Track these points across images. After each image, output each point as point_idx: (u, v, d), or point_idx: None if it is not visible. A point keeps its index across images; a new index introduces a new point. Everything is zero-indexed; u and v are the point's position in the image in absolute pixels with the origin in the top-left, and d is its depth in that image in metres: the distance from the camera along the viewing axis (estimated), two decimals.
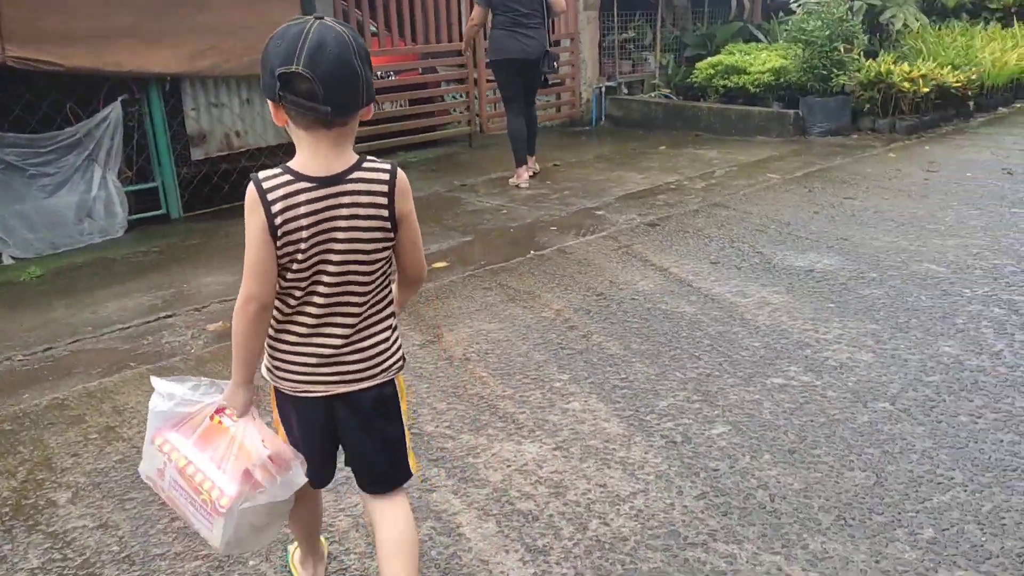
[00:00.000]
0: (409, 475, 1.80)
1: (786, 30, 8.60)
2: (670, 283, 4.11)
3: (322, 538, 2.12)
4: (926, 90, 7.55)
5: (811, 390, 2.97)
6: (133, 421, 2.99)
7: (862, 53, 7.86)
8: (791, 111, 7.83)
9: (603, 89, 9.23)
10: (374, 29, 7.62)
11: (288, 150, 1.71)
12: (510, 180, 6.51)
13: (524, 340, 3.52)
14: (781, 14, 9.87)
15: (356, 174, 1.57)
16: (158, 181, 6.02)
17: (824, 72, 7.66)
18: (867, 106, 7.77)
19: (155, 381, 1.73)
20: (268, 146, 6.73)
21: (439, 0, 7.92)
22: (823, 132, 7.73)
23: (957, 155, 6.70)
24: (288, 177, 1.55)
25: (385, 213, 1.60)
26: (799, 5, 9.01)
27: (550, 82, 7.69)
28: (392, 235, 1.63)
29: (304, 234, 1.54)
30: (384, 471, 1.76)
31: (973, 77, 8.17)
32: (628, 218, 5.36)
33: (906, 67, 7.63)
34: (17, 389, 3.34)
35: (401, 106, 7.90)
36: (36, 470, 2.71)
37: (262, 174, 1.55)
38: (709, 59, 8.78)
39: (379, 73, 7.78)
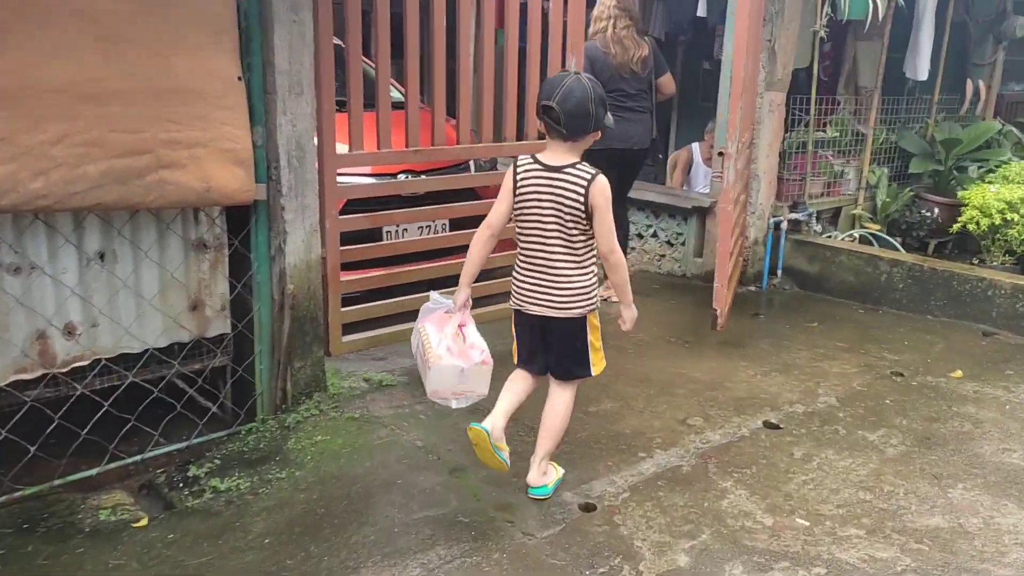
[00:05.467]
0: (580, 376, 2.73)
1: None
2: None
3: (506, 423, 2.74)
4: None
5: None
6: None
7: None
8: None
9: (783, 224, 5.34)
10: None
11: None
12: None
13: None
14: None
15: (569, 170, 2.53)
16: None
17: None
18: None
19: (432, 294, 2.80)
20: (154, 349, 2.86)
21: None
22: None
23: None
24: (531, 160, 2.58)
25: (582, 200, 2.51)
26: None
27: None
28: (584, 215, 2.53)
29: (528, 197, 2.56)
30: (563, 368, 2.73)
31: None
32: None
33: None
34: None
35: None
36: None
37: (520, 158, 2.61)
38: (998, 191, 4.88)
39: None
